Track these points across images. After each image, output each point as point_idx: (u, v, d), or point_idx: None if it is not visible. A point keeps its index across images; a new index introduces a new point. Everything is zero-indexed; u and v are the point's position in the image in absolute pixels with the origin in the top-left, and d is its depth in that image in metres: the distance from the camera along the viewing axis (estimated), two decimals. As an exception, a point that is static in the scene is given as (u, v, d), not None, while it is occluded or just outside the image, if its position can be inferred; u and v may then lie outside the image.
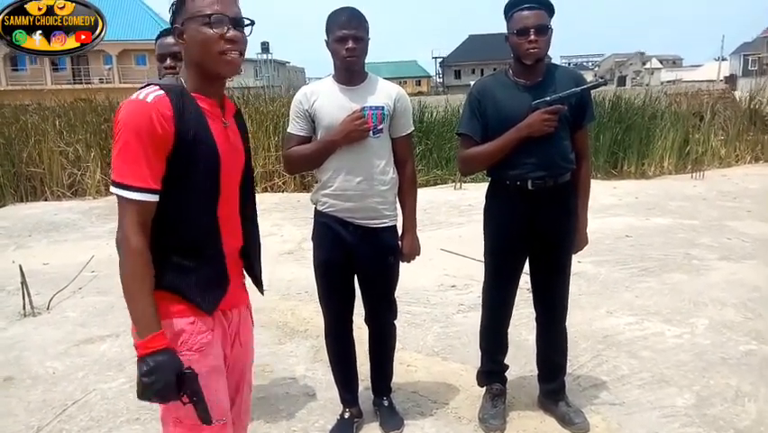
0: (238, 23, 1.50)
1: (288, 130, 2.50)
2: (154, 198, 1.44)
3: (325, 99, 2.41)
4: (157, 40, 2.47)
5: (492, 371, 2.81)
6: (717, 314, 3.94)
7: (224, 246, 1.58)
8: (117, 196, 1.43)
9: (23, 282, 4.27)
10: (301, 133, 2.46)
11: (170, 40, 2.41)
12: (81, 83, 34.62)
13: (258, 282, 1.78)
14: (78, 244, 6.33)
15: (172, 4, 1.53)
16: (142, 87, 1.48)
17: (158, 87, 1.46)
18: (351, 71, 2.41)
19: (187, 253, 1.51)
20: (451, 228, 6.49)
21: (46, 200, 9.24)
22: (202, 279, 1.53)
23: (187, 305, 1.51)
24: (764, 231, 6.04)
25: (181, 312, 1.50)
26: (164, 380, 1.39)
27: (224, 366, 1.60)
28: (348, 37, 2.32)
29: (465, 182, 8.98)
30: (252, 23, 1.56)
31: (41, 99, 13.42)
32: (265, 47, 52.20)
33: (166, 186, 1.45)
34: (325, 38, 2.40)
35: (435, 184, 9.76)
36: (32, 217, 7.80)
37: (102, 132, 10.05)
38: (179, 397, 1.43)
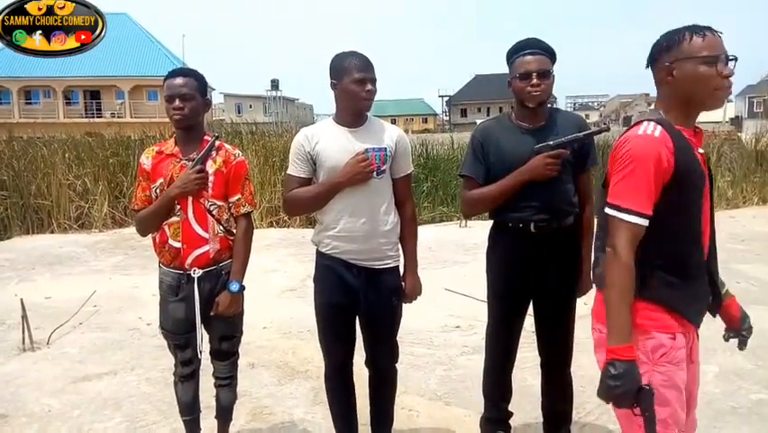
0: (730, 60, 1.66)
1: (289, 172, 2.50)
2: (645, 222, 1.62)
3: (328, 141, 2.42)
4: (165, 80, 2.49)
5: (496, 418, 2.74)
6: (726, 361, 3.85)
7: (706, 263, 1.74)
8: (610, 215, 1.65)
9: (24, 316, 4.25)
10: (302, 175, 2.46)
11: (179, 81, 2.44)
12: (93, 117, 35.29)
13: (716, 300, 1.86)
14: (82, 278, 6.31)
15: (663, 42, 1.70)
16: (637, 123, 1.69)
17: (656, 123, 1.65)
18: (360, 113, 2.43)
19: (675, 270, 1.68)
20: (455, 267, 6.45)
21: (52, 232, 9.27)
22: (690, 293, 1.69)
23: (670, 319, 1.67)
24: (773, 275, 5.96)
25: (663, 327, 1.67)
26: (626, 387, 1.56)
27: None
28: (367, 80, 2.35)
29: (471, 220, 8.97)
30: (735, 58, 1.68)
31: (53, 132, 13.62)
32: (275, 84, 53.17)
33: (658, 210, 1.63)
34: (333, 80, 2.41)
35: (441, 221, 9.75)
36: (36, 250, 7.81)
37: (110, 165, 10.16)
38: (632, 407, 1.58)
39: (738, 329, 1.96)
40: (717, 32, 1.69)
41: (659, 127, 1.65)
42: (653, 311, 1.67)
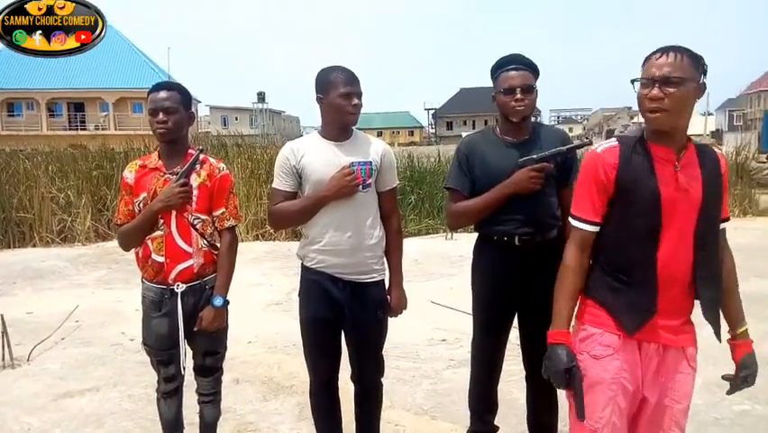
0: (664, 81, 1.66)
1: (274, 186, 2.50)
2: (590, 227, 1.80)
3: (313, 155, 2.42)
4: (149, 94, 2.48)
5: (482, 431, 2.73)
6: (709, 372, 3.86)
7: (659, 277, 1.74)
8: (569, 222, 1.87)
9: (4, 332, 4.18)
10: (288, 189, 2.45)
11: (163, 94, 2.43)
12: (77, 129, 34.99)
13: (714, 327, 1.87)
14: (64, 293, 6.22)
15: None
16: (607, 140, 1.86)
17: (614, 140, 1.81)
18: (347, 127, 2.44)
19: (618, 278, 1.78)
20: (441, 279, 6.45)
21: (34, 246, 9.14)
22: (627, 302, 1.77)
23: (608, 319, 1.78)
24: (755, 287, 6.03)
25: (597, 323, 1.80)
26: (554, 367, 1.75)
27: (620, 388, 1.76)
28: (353, 94, 2.37)
29: (457, 232, 9.00)
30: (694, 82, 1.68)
31: (36, 145, 13.49)
32: (261, 97, 53.18)
33: (607, 221, 1.78)
34: (319, 95, 2.42)
35: (427, 233, 9.77)
36: (18, 264, 7.69)
37: (93, 178, 10.05)
38: (567, 387, 1.74)
39: (734, 376, 1.91)
40: (669, 51, 1.67)
41: (610, 144, 1.80)
42: (596, 309, 1.82)
